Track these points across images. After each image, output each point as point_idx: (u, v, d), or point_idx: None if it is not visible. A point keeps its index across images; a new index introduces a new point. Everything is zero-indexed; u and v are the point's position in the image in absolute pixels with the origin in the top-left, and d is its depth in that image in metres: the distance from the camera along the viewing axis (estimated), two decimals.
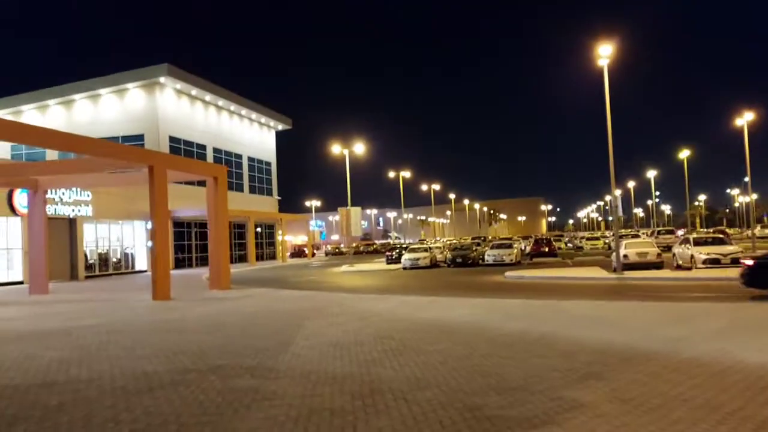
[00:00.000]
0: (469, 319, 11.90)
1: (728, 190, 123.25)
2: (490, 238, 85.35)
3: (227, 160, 58.59)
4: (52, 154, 42.30)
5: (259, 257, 61.42)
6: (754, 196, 70.93)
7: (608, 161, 24.76)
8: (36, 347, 10.35)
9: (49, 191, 33.93)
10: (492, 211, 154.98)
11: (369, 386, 6.49)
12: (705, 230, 73.94)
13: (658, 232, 53.05)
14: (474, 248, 39.82)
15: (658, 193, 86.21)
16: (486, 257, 36.54)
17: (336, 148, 46.60)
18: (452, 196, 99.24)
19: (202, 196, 50.08)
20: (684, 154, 56.22)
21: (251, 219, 56.22)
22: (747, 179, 44.35)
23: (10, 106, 50.15)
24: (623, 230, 77.60)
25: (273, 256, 66.36)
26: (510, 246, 38.42)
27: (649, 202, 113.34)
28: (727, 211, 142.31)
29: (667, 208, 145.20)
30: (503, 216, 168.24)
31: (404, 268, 36.67)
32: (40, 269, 24.58)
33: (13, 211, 31.92)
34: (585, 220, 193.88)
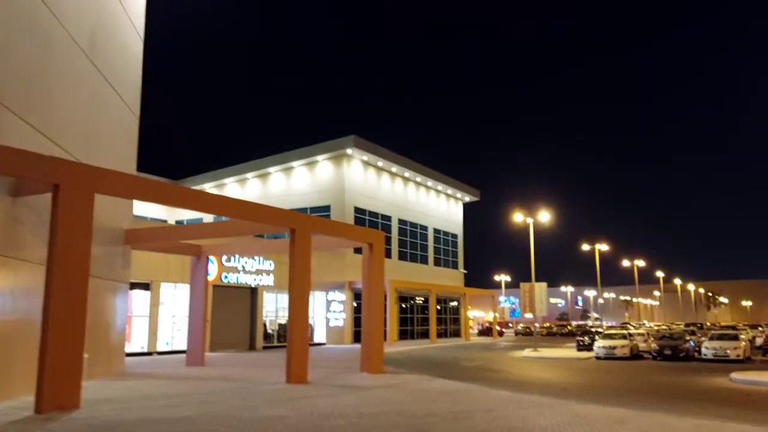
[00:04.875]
0: None
1: None
2: (708, 325, 73.68)
3: (412, 231, 57.32)
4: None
5: (443, 334, 58.24)
6: None
7: None
8: None
9: (232, 260, 34.63)
10: (710, 294, 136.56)
11: None
12: None
13: None
14: (687, 337, 32.89)
15: None
16: (704, 350, 29.69)
17: (521, 218, 42.67)
18: (660, 274, 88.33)
19: (387, 266, 49.02)
20: None
21: (433, 292, 53.61)
22: None
23: (216, 180, 53.87)
24: None
25: (458, 333, 62.65)
26: (735, 337, 30.99)
27: None
28: None
29: None
30: (724, 300, 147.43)
31: (597, 358, 31.07)
32: (198, 340, 23.80)
33: None
34: None
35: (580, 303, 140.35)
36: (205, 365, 23.53)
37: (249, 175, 52.22)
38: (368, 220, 49.63)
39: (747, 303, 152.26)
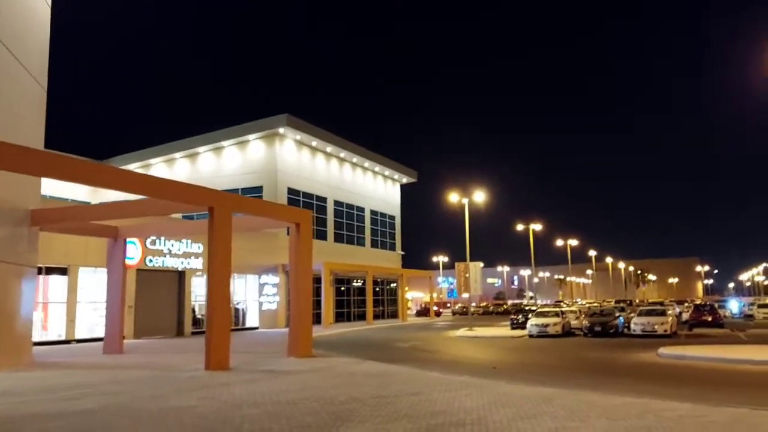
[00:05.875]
0: None
1: None
2: (637, 301, 76.18)
3: (349, 213, 56.47)
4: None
5: (380, 315, 57.84)
6: None
7: None
8: None
9: (157, 242, 32.94)
10: (639, 272, 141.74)
11: None
12: None
13: None
14: (617, 314, 33.48)
15: None
16: (633, 326, 30.22)
17: (459, 198, 42.52)
18: (593, 253, 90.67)
19: (322, 249, 47.83)
20: None
21: (370, 274, 53.05)
22: None
23: (142, 159, 51.48)
24: None
25: (395, 315, 62.42)
26: (663, 313, 31.70)
27: None
28: None
29: None
30: (652, 277, 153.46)
31: (530, 336, 31.22)
32: (116, 326, 22.42)
33: None
34: (749, 284, 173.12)
35: (516, 282, 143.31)
36: (123, 353, 22.23)
37: (177, 155, 50.11)
38: (302, 201, 48.50)
39: (673, 280, 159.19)
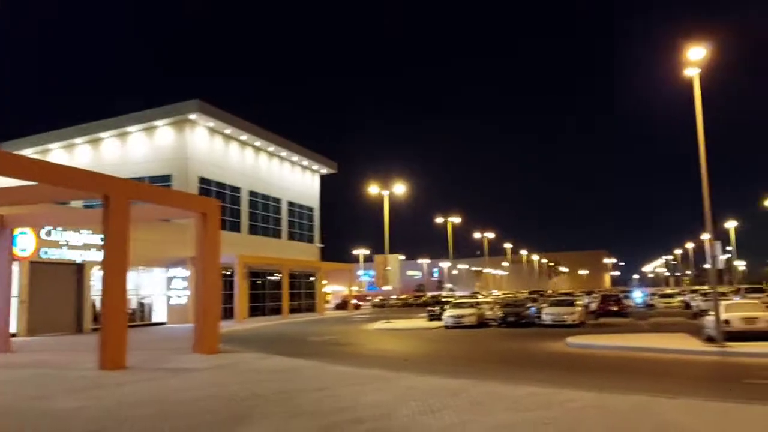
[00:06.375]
0: None
1: None
2: (549, 292, 78.70)
3: (264, 204, 55.05)
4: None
5: (297, 309, 56.69)
6: None
7: (702, 206, 19.34)
8: None
9: (53, 233, 30.74)
10: (552, 264, 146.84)
11: None
12: None
13: (745, 290, 45.74)
14: (529, 304, 34.20)
15: (729, 248, 75.12)
16: (543, 316, 30.88)
17: (379, 191, 42.25)
18: (508, 246, 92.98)
19: (236, 241, 46.36)
20: None
21: (286, 267, 51.96)
22: None
23: (38, 144, 48.20)
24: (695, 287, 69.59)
25: (313, 308, 61.50)
26: (572, 303, 32.62)
27: (723, 257, 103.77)
28: None
29: (741, 264, 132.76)
30: (564, 269, 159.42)
31: (446, 327, 31.36)
32: (2, 323, 20.63)
33: None
34: (651, 275, 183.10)
35: (436, 274, 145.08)
36: (11, 351, 20.47)
37: (78, 140, 47.11)
38: (215, 191, 46.77)
39: (584, 272, 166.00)
